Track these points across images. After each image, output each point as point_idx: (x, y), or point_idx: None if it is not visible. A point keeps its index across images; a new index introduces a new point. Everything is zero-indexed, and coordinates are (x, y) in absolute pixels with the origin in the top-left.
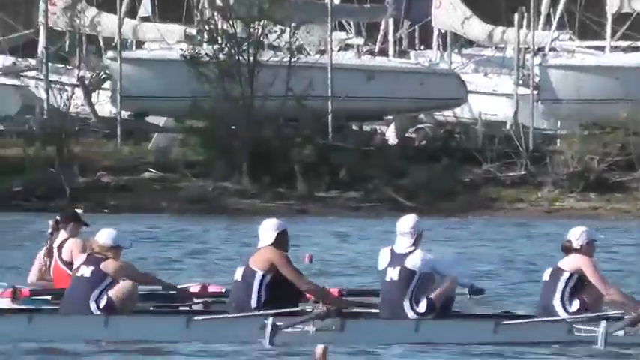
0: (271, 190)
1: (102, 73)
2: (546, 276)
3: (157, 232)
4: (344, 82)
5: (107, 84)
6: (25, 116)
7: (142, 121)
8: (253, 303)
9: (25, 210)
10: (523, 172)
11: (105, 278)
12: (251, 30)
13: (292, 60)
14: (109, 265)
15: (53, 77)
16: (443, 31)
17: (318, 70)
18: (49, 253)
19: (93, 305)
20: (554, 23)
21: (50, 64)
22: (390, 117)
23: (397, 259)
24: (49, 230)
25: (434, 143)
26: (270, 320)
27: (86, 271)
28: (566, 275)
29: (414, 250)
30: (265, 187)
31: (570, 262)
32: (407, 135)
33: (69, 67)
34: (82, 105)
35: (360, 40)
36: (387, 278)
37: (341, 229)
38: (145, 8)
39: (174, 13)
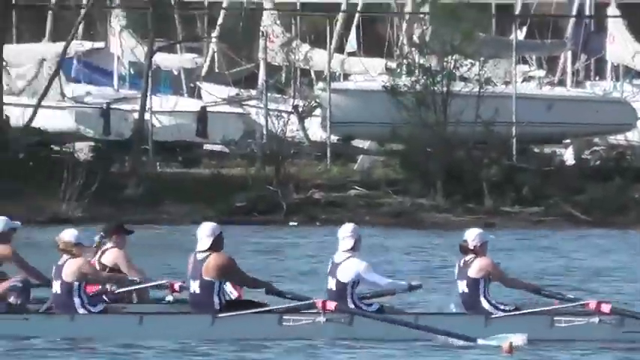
0: (462, 206)
1: (313, 102)
2: (463, 287)
3: (366, 243)
4: (527, 109)
5: (318, 112)
6: (247, 140)
7: (348, 145)
8: (216, 307)
9: (247, 223)
10: None
11: (72, 285)
12: (444, 63)
13: (481, 90)
14: (68, 273)
15: (271, 106)
16: (616, 64)
17: (503, 99)
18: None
19: (82, 311)
20: None
21: (269, 94)
22: (568, 140)
23: (333, 268)
24: (94, 245)
25: (607, 163)
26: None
27: (57, 286)
28: (482, 282)
29: (348, 257)
30: (457, 202)
31: (477, 269)
32: (583, 156)
33: (285, 96)
34: (296, 130)
35: (541, 73)
36: (328, 287)
37: (525, 241)
38: (351, 44)
39: (377, 49)
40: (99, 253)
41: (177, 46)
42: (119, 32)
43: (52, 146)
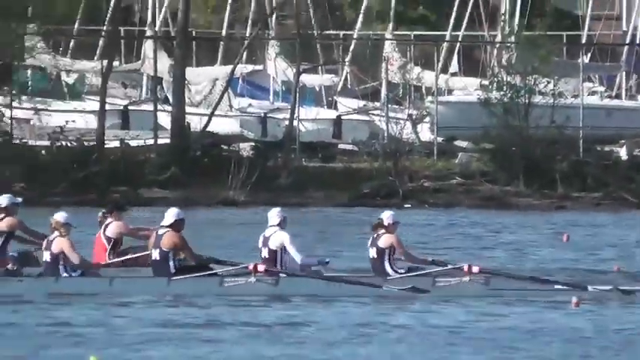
0: (539, 192)
1: (424, 111)
2: (373, 254)
3: (463, 225)
4: (591, 117)
5: (427, 119)
6: (372, 141)
7: (450, 144)
8: (172, 270)
9: (371, 206)
10: None
11: (59, 256)
12: (526, 81)
13: (555, 102)
14: (57, 246)
15: (391, 114)
16: None
17: (573, 109)
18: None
19: (65, 275)
20: None
21: (389, 105)
22: (623, 141)
23: (265, 241)
24: (99, 220)
25: None
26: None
27: (47, 255)
28: (387, 252)
29: (276, 232)
30: (535, 189)
31: (386, 242)
32: (634, 153)
33: (401, 107)
34: (410, 133)
35: (602, 88)
36: (261, 255)
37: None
38: (454, 67)
39: (474, 70)
40: (102, 227)
41: (319, 68)
42: (274, 58)
43: (222, 146)
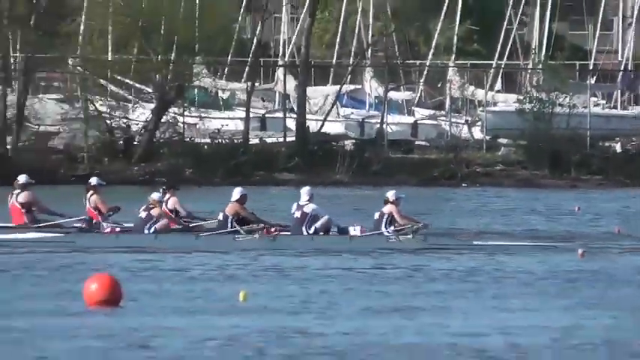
0: (559, 175)
1: (476, 117)
2: (376, 216)
3: (504, 200)
4: (595, 122)
5: (479, 123)
6: (439, 139)
7: (495, 141)
8: (229, 229)
9: (437, 185)
10: None
11: (151, 218)
12: (550, 97)
13: (570, 111)
14: (154, 212)
15: (453, 120)
16: None
17: (582, 116)
18: (161, 205)
19: (146, 231)
20: None
21: (452, 113)
22: (618, 138)
23: (299, 207)
24: (160, 194)
25: None
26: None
27: (143, 214)
28: (386, 215)
29: (308, 202)
30: (556, 174)
31: (387, 209)
32: (626, 147)
33: (460, 114)
34: (466, 133)
35: (604, 101)
36: (294, 216)
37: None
38: (498, 86)
39: (513, 88)
40: (164, 202)
41: (401, 86)
42: (369, 79)
43: (332, 142)
